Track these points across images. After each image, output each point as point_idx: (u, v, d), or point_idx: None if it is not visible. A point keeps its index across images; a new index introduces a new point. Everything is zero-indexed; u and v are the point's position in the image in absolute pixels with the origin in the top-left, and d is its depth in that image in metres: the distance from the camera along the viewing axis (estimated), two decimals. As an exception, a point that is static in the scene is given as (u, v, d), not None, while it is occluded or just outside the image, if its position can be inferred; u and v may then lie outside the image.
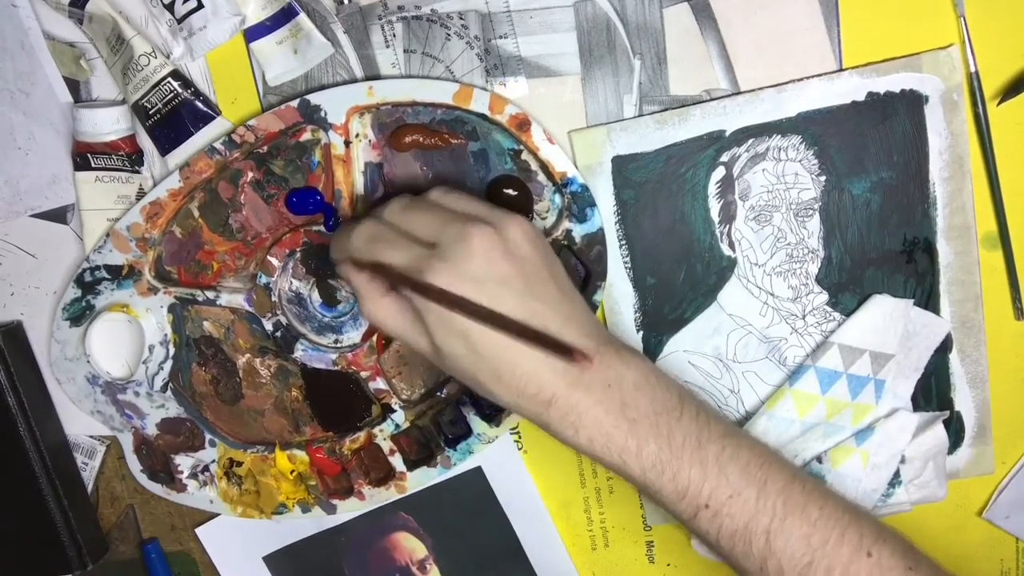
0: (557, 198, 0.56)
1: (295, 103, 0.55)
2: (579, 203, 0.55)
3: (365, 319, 0.52)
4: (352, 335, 0.60)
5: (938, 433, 0.57)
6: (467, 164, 0.56)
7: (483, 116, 0.54)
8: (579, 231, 0.56)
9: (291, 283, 0.60)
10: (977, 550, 0.61)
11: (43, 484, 0.62)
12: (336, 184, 0.56)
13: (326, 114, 0.55)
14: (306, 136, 0.56)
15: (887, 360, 0.56)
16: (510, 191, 0.56)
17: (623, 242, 0.57)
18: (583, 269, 0.56)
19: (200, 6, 0.54)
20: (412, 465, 0.62)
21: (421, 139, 0.55)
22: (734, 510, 0.45)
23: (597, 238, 0.55)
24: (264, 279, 0.59)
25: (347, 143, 0.55)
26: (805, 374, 0.57)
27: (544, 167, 0.55)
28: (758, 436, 0.57)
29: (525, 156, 0.55)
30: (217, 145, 0.56)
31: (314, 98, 0.55)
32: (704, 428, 0.46)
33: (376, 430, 0.61)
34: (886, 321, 0.56)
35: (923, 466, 0.57)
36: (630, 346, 0.49)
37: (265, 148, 0.57)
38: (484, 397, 0.48)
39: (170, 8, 0.55)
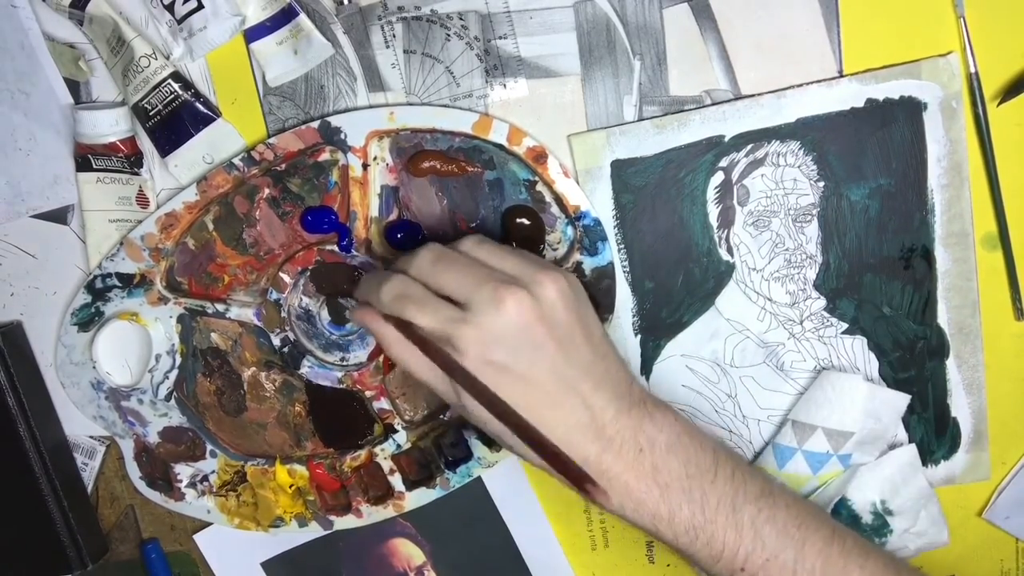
0: (569, 230, 0.54)
1: (316, 124, 0.53)
2: (591, 237, 0.53)
3: (394, 361, 0.47)
4: (359, 354, 0.58)
5: (919, 483, 0.55)
6: (482, 192, 0.54)
7: (501, 147, 0.53)
8: (589, 264, 0.54)
9: (301, 300, 0.58)
10: (977, 550, 0.59)
11: (43, 484, 0.60)
12: (352, 205, 0.54)
13: (346, 136, 0.53)
14: (324, 156, 0.55)
15: (847, 438, 0.53)
16: (523, 220, 0.54)
17: (621, 246, 0.55)
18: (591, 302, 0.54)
19: (200, 7, 0.51)
20: (411, 485, 0.60)
21: (438, 165, 0.54)
22: (771, 573, 0.42)
23: (607, 272, 0.54)
24: (275, 295, 0.57)
25: (365, 166, 0.54)
26: (765, 449, 0.56)
27: (558, 199, 0.53)
28: None
29: (540, 187, 0.54)
30: (236, 161, 0.54)
31: (335, 120, 0.53)
32: (740, 488, 0.43)
33: (377, 449, 0.59)
34: (838, 395, 0.53)
35: (916, 516, 0.55)
36: (663, 403, 0.45)
37: (283, 166, 0.55)
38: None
39: (170, 9, 0.52)
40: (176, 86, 0.53)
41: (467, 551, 0.62)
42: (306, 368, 0.58)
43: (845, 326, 0.54)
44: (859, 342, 0.55)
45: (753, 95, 0.51)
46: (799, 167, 0.52)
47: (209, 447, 0.61)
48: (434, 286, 0.44)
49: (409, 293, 0.44)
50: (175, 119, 0.54)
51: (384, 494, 0.60)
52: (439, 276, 0.44)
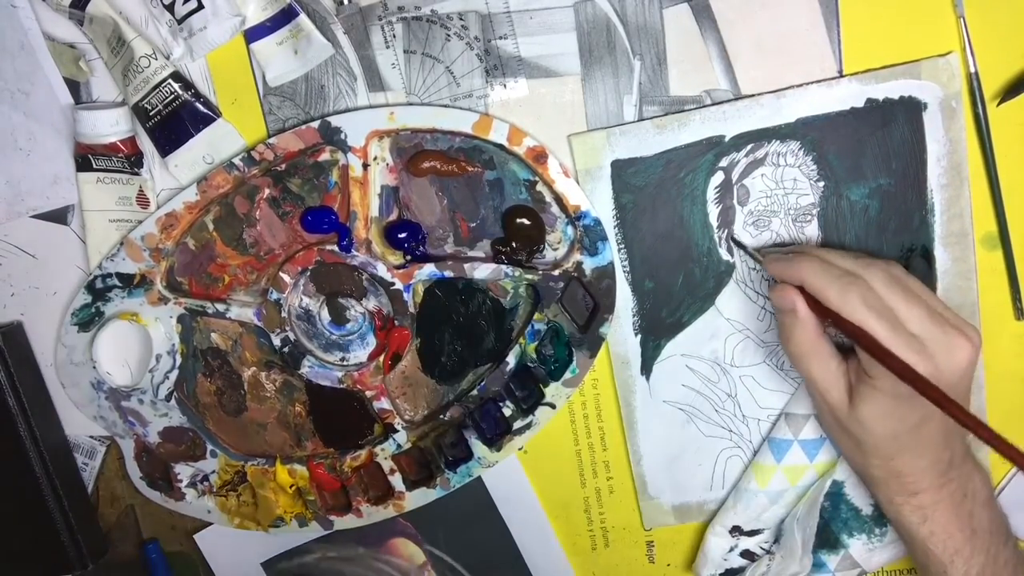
0: (569, 230, 0.53)
1: (316, 124, 0.53)
2: (591, 236, 0.53)
3: (789, 345, 0.49)
4: (359, 354, 0.58)
5: None
6: (482, 192, 0.54)
7: (501, 146, 0.52)
8: (590, 264, 0.53)
9: (301, 300, 0.57)
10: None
11: (43, 484, 0.60)
12: (352, 205, 0.54)
13: (346, 136, 0.53)
14: (324, 156, 0.54)
15: None
16: (523, 220, 0.54)
17: (622, 246, 0.54)
18: (592, 301, 0.54)
19: (200, 7, 0.51)
20: (412, 485, 0.59)
21: (439, 166, 0.53)
22: None
23: (607, 271, 0.53)
24: (275, 295, 0.56)
25: (365, 166, 0.53)
26: (761, 447, 0.56)
27: (558, 199, 0.53)
28: (726, 509, 0.57)
29: (540, 187, 0.53)
30: (236, 161, 0.54)
31: (335, 120, 0.53)
32: (1022, 560, 0.50)
33: (377, 449, 0.59)
34: None
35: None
36: (980, 464, 0.51)
37: (283, 166, 0.54)
38: (854, 464, 0.50)
39: (170, 9, 0.51)
40: (176, 86, 0.53)
41: (467, 551, 0.62)
42: (306, 368, 0.57)
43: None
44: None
45: (753, 95, 0.51)
46: (799, 167, 0.51)
47: (209, 447, 0.60)
48: (888, 306, 0.45)
49: (873, 305, 0.45)
50: (175, 119, 0.53)
51: (384, 494, 0.60)
52: (897, 302, 0.45)
